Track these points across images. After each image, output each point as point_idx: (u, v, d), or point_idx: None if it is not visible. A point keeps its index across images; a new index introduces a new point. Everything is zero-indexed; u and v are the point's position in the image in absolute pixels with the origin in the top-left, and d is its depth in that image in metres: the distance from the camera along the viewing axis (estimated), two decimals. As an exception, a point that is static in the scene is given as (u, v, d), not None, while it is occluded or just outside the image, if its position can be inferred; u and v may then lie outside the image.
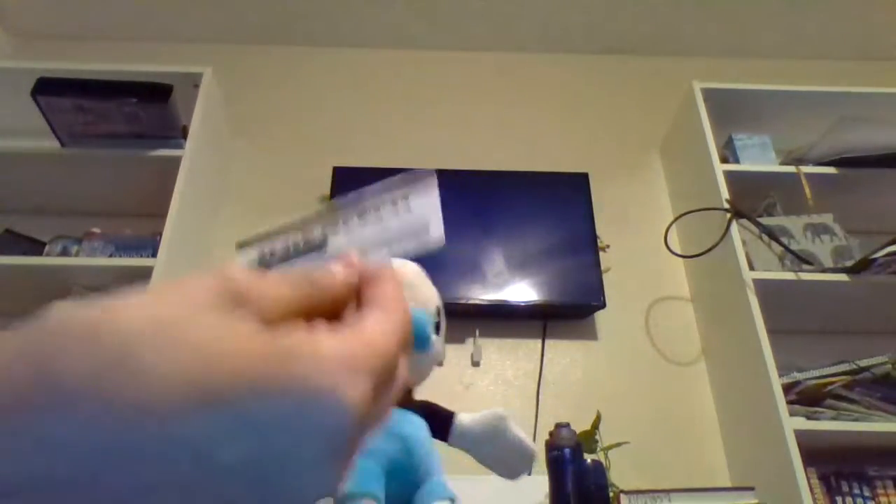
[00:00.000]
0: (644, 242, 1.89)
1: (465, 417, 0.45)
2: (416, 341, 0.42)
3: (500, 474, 0.44)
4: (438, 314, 0.46)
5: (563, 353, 1.74)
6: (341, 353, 0.21)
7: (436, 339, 0.45)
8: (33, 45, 2.18)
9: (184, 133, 1.68)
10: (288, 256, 0.34)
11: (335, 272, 0.27)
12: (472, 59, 2.26)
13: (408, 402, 0.44)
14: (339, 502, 0.36)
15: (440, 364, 0.48)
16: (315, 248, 0.33)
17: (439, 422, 0.42)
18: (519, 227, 1.82)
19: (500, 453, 0.39)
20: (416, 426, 0.40)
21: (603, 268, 1.77)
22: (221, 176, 1.93)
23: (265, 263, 0.34)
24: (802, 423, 1.36)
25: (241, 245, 0.36)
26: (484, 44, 2.26)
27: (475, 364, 1.70)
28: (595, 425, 1.44)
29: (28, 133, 1.64)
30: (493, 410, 0.43)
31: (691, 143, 1.82)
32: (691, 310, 1.83)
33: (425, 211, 0.34)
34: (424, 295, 0.45)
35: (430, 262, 1.67)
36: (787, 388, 1.42)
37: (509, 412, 0.44)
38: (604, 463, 1.29)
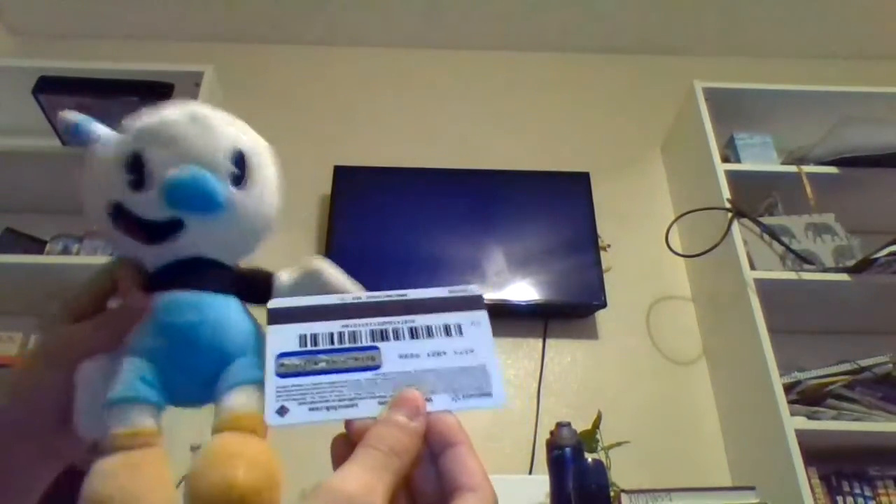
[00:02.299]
0: (645, 242, 1.89)
1: (283, 274, 0.39)
2: (193, 203, 0.36)
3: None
4: (240, 163, 0.38)
5: (564, 353, 1.74)
6: None
7: (237, 192, 0.37)
8: (35, 44, 2.18)
9: (185, 132, 1.68)
10: (335, 366, 0.33)
11: (409, 427, 0.30)
12: (472, 58, 2.26)
13: (226, 276, 0.38)
14: (105, 411, 0.33)
15: (269, 227, 0.40)
16: (367, 365, 0.33)
17: (259, 289, 0.37)
18: (520, 226, 1.82)
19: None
20: (204, 309, 0.35)
21: (604, 267, 1.77)
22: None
23: (309, 356, 0.33)
24: (803, 423, 1.36)
25: (275, 312, 0.34)
26: (484, 43, 2.26)
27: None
28: (596, 424, 1.44)
29: (29, 132, 1.64)
30: (308, 259, 0.40)
31: (692, 142, 1.82)
32: (692, 309, 1.83)
33: (481, 350, 0.34)
34: (197, 146, 0.36)
35: (431, 262, 1.66)
36: (787, 388, 1.42)
37: (327, 262, 0.40)
38: (605, 462, 1.29)
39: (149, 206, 0.36)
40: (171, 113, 0.38)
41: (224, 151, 0.37)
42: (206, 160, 0.37)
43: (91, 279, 0.40)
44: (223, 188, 0.36)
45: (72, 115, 0.39)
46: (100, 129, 0.39)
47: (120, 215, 0.37)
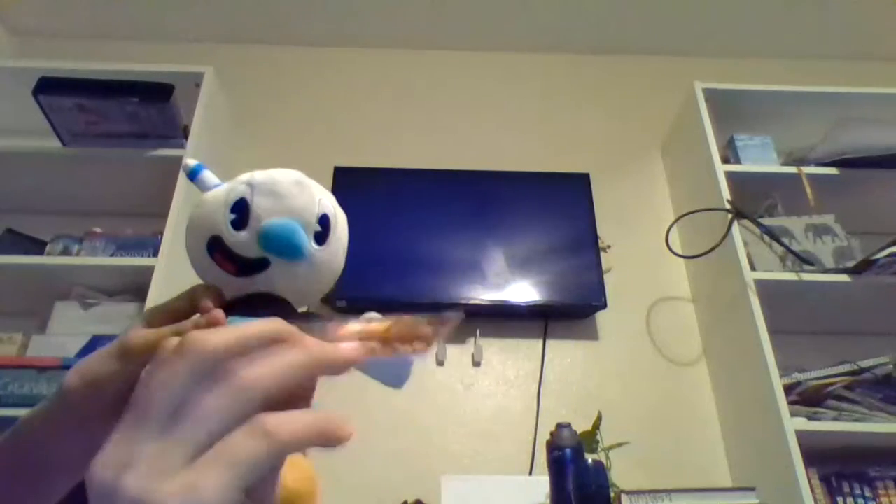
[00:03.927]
0: (645, 243, 1.89)
1: None
2: (283, 248, 0.42)
3: (386, 382, 0.46)
4: (326, 224, 0.45)
5: (564, 354, 1.74)
6: None
7: (318, 249, 0.44)
8: (35, 45, 2.18)
9: (185, 133, 1.68)
10: None
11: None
12: (472, 58, 2.26)
13: (291, 314, 0.44)
14: None
15: (334, 281, 0.48)
16: None
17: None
18: (520, 227, 1.82)
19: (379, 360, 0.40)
20: None
21: (604, 268, 1.77)
22: (222, 176, 1.93)
23: None
24: (803, 424, 1.36)
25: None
26: (485, 44, 2.26)
27: (476, 364, 1.71)
28: (596, 425, 1.44)
29: (29, 132, 1.64)
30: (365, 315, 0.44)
31: (692, 143, 1.82)
32: (692, 310, 1.83)
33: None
34: (296, 204, 0.44)
35: (431, 262, 1.66)
36: (788, 389, 1.42)
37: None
38: (605, 463, 1.29)
39: (244, 244, 0.42)
40: (280, 173, 0.45)
41: (315, 213, 0.44)
42: (301, 217, 0.43)
43: (172, 298, 0.44)
44: (308, 242, 0.43)
45: (190, 161, 0.49)
46: (214, 177, 0.48)
47: (216, 247, 0.43)
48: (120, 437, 0.26)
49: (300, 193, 0.44)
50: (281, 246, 0.42)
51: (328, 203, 0.46)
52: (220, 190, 0.46)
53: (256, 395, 0.27)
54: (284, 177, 0.45)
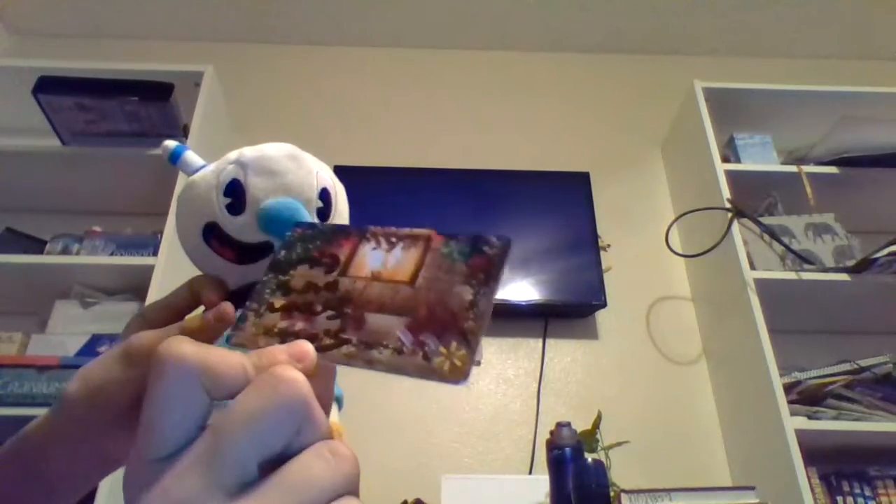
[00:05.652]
0: (645, 242, 1.89)
1: None
2: (286, 229, 0.38)
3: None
4: (327, 199, 0.42)
5: (564, 353, 1.74)
6: None
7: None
8: (34, 44, 2.18)
9: (185, 131, 1.68)
10: None
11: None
12: (472, 58, 2.26)
13: None
14: None
15: None
16: None
17: None
18: (520, 226, 1.82)
19: None
20: None
21: (604, 267, 1.77)
22: (222, 175, 1.93)
23: None
24: (803, 423, 1.36)
25: None
26: (484, 43, 2.26)
27: (476, 363, 1.70)
28: (596, 424, 1.44)
29: (29, 131, 1.64)
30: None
31: (692, 142, 1.82)
32: (692, 309, 1.82)
33: None
34: (294, 180, 0.40)
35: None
36: (787, 388, 1.42)
37: None
38: (605, 462, 1.29)
39: (243, 228, 0.39)
40: (272, 148, 0.42)
41: (314, 188, 0.41)
42: (301, 193, 0.40)
43: (172, 293, 0.41)
44: (312, 221, 0.40)
45: (170, 143, 0.44)
46: (197, 158, 0.44)
47: (213, 235, 0.40)
48: (182, 478, 0.21)
49: (297, 168, 0.41)
50: (284, 227, 0.38)
51: (326, 175, 0.43)
52: (207, 171, 0.43)
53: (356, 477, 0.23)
54: (277, 151, 0.42)
